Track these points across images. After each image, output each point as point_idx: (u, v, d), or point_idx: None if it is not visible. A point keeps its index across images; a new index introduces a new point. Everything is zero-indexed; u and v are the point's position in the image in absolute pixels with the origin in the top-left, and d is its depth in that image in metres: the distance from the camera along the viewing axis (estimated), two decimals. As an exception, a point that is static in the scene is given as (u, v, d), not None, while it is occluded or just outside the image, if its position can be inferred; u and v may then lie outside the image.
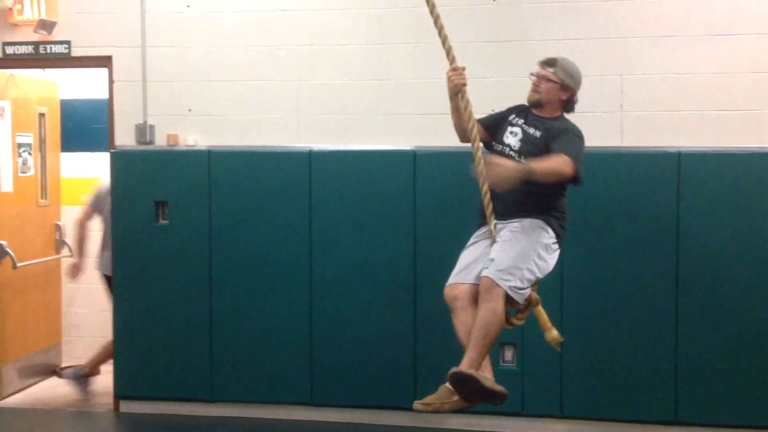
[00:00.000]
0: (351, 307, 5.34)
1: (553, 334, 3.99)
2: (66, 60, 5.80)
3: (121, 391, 5.66)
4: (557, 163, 3.71)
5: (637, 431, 5.13)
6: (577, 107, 4.12)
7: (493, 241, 3.84)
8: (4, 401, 6.00)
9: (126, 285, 5.60)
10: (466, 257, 3.94)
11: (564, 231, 3.99)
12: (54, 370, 6.59)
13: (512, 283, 3.69)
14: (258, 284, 5.42)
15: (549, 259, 3.89)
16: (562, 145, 3.80)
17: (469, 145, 3.88)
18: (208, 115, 5.56)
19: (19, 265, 6.04)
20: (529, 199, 3.84)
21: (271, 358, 5.45)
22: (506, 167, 3.63)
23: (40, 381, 6.44)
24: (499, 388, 3.65)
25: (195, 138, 5.58)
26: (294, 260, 5.38)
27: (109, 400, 5.77)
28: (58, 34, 5.72)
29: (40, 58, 5.81)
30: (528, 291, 3.81)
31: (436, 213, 5.22)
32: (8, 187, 6.12)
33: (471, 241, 4.01)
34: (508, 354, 5.23)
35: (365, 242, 5.31)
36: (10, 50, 5.80)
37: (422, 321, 5.26)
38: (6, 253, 5.97)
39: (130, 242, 5.59)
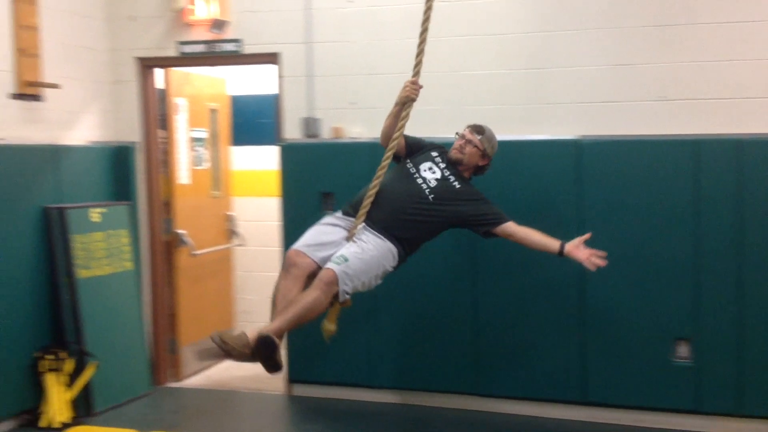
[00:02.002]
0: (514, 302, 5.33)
1: (332, 327, 4.18)
2: (237, 57, 6.05)
3: (294, 375, 5.91)
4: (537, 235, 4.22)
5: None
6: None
7: (351, 237, 4.05)
8: (183, 382, 6.40)
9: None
10: (321, 234, 4.11)
11: (406, 258, 4.23)
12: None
13: (348, 288, 3.93)
14: (425, 275, 5.49)
15: (378, 279, 4.12)
16: (496, 213, 4.28)
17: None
18: (371, 107, 5.66)
19: (196, 253, 6.40)
20: (409, 232, 4.13)
21: (431, 346, 5.52)
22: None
23: (216, 364, 6.77)
24: (281, 362, 3.88)
25: (359, 130, 5.71)
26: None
27: (282, 383, 6.01)
28: (229, 33, 5.97)
29: (212, 56, 6.09)
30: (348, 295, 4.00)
31: (603, 201, 5.13)
32: (186, 179, 6.48)
33: (329, 221, 4.20)
34: (683, 350, 5.07)
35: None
36: (185, 49, 6.11)
37: (592, 313, 5.21)
38: (185, 242, 6.34)
39: (298, 231, 5.74)
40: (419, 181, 4.25)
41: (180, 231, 6.34)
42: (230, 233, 7.03)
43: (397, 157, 4.35)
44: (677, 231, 5.02)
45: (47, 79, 5.52)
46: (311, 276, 4.01)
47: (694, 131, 5.02)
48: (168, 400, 6.01)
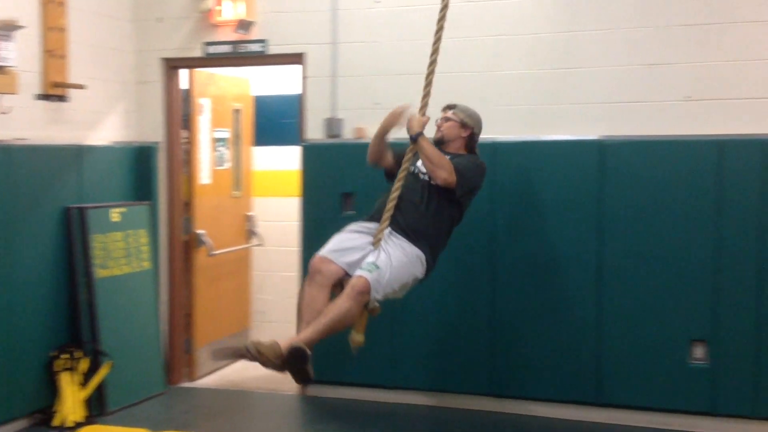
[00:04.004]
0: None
1: (359, 338, 4.00)
2: (262, 58, 6.07)
3: (308, 376, 5.88)
4: (442, 161, 4.09)
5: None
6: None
7: (377, 242, 3.98)
8: (197, 382, 6.37)
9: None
10: (346, 240, 4.05)
11: (433, 264, 4.18)
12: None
13: (379, 296, 3.88)
14: (446, 275, 5.46)
15: (407, 286, 4.10)
16: (456, 162, 4.18)
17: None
18: (393, 108, 5.65)
19: (214, 253, 6.40)
20: (427, 230, 4.07)
21: (452, 347, 5.49)
22: (415, 120, 4.12)
23: (230, 364, 6.76)
24: (311, 373, 3.85)
25: (381, 131, 5.70)
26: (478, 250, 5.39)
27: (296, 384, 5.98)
28: (254, 33, 6.00)
29: (237, 56, 6.11)
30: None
31: (625, 202, 5.11)
32: (207, 179, 6.50)
33: (353, 228, 4.13)
34: (699, 351, 5.03)
35: (550, 234, 5.26)
36: (211, 50, 6.13)
37: (608, 313, 5.17)
38: (203, 242, 6.34)
39: (318, 232, 5.76)
40: (420, 175, 4.25)
41: (199, 231, 6.35)
42: (249, 233, 7.03)
43: (390, 174, 4.38)
44: (698, 232, 5.00)
45: (73, 80, 5.56)
46: (336, 284, 3.98)
47: (718, 131, 5.00)
48: (182, 399, 5.98)
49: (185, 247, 6.39)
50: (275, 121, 7.17)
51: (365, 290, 3.81)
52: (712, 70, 5.02)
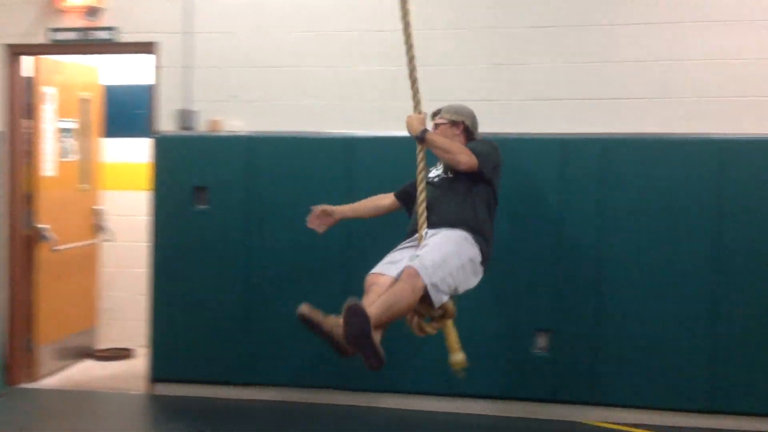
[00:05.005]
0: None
1: (459, 357, 3.89)
2: (112, 46, 5.87)
3: (156, 374, 5.72)
4: (458, 147, 4.06)
5: (671, 418, 5.12)
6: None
7: (419, 244, 3.94)
8: (39, 382, 6.07)
9: (164, 268, 5.66)
10: (394, 255, 4.01)
11: (489, 256, 4.03)
12: (90, 353, 6.68)
13: (434, 280, 3.68)
14: (296, 268, 5.46)
15: (472, 274, 3.95)
16: (468, 147, 4.13)
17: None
18: (251, 100, 5.62)
19: (58, 248, 6.13)
20: (461, 214, 4.02)
21: (307, 341, 5.45)
22: (414, 119, 4.06)
23: (75, 363, 6.51)
24: (380, 350, 3.53)
25: (237, 124, 5.64)
26: (331, 246, 5.39)
27: (144, 383, 5.81)
28: (104, 20, 5.79)
29: (85, 44, 5.88)
30: (445, 297, 3.79)
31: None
32: (51, 171, 6.21)
33: (399, 246, 4.08)
34: (542, 341, 5.25)
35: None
36: (57, 36, 5.88)
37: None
38: (46, 237, 6.06)
39: (169, 226, 5.65)
40: (437, 180, 4.21)
41: (41, 225, 6.05)
42: (98, 228, 6.76)
43: (408, 202, 4.37)
44: (542, 225, 5.22)
45: None
46: None
47: (562, 130, 5.23)
48: (22, 401, 5.69)
49: (27, 242, 6.07)
50: (126, 112, 6.93)
51: (412, 273, 3.66)
52: (558, 71, 5.23)
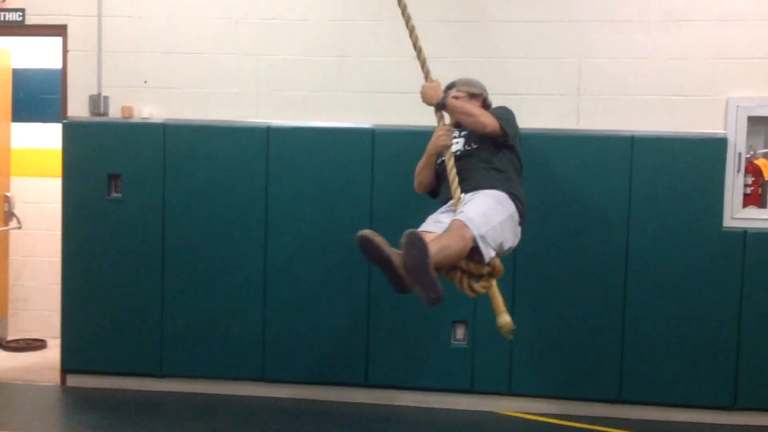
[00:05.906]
0: (305, 283, 5.35)
1: (506, 319, 3.84)
2: (20, 28, 5.67)
3: (69, 365, 5.60)
4: (477, 110, 4.07)
5: (583, 409, 5.24)
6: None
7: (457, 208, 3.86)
8: (-54, 374, 5.89)
9: (76, 258, 5.53)
10: (438, 215, 3.95)
11: (524, 216, 4.03)
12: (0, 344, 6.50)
13: (481, 231, 3.61)
14: (211, 259, 5.41)
15: (512, 233, 3.90)
16: (491, 111, 4.17)
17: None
18: (165, 87, 5.50)
19: (-36, 236, 5.94)
20: (491, 180, 3.96)
21: (223, 333, 5.44)
22: (429, 88, 4.02)
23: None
24: (439, 284, 3.40)
25: (151, 110, 5.52)
26: (249, 236, 5.37)
27: (56, 374, 5.69)
28: (12, 2, 5.59)
29: (-8, 25, 5.68)
30: (493, 252, 3.73)
31: (394, 190, 5.24)
32: (-45, 156, 6.01)
33: (439, 211, 4.02)
34: (460, 332, 5.30)
35: (321, 219, 5.32)
36: (-39, 17, 5.66)
37: (376, 299, 5.30)
38: (-50, 224, 5.86)
39: (81, 215, 5.52)
40: (458, 153, 4.09)
41: (-56, 212, 5.86)
42: (7, 215, 6.56)
43: (435, 191, 4.27)
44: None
45: None
46: None
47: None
48: (-75, 394, 5.50)
49: (-70, 230, 5.87)
50: (36, 97, 6.73)
51: (461, 225, 3.57)
52: (469, 65, 5.22)
